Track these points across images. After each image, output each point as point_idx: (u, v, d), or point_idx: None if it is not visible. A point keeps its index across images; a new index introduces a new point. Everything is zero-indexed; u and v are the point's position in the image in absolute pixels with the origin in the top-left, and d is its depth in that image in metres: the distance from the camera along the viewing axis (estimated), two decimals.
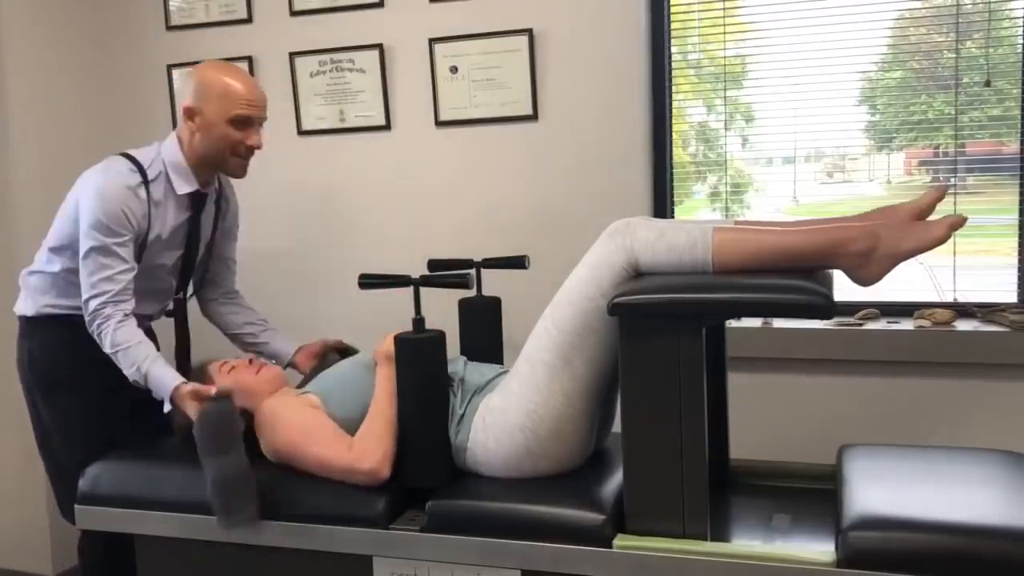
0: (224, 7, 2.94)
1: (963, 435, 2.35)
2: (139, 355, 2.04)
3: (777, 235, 1.75)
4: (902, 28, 2.55)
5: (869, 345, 2.44)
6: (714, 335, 2.01)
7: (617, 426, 1.85)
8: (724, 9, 2.60)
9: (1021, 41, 2.39)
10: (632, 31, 2.58)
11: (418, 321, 1.89)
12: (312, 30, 2.86)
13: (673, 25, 2.65)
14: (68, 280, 2.18)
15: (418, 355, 1.84)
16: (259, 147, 2.19)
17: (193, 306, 2.45)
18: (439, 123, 2.77)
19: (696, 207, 2.78)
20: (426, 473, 1.87)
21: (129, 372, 2.05)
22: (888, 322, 2.48)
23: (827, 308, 1.61)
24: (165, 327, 2.39)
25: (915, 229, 1.71)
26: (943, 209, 1.85)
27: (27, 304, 2.26)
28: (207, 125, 2.13)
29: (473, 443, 1.88)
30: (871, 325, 2.47)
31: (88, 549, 2.30)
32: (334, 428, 1.90)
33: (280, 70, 2.90)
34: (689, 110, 2.77)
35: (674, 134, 2.71)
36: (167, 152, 2.19)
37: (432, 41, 2.73)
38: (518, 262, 2.28)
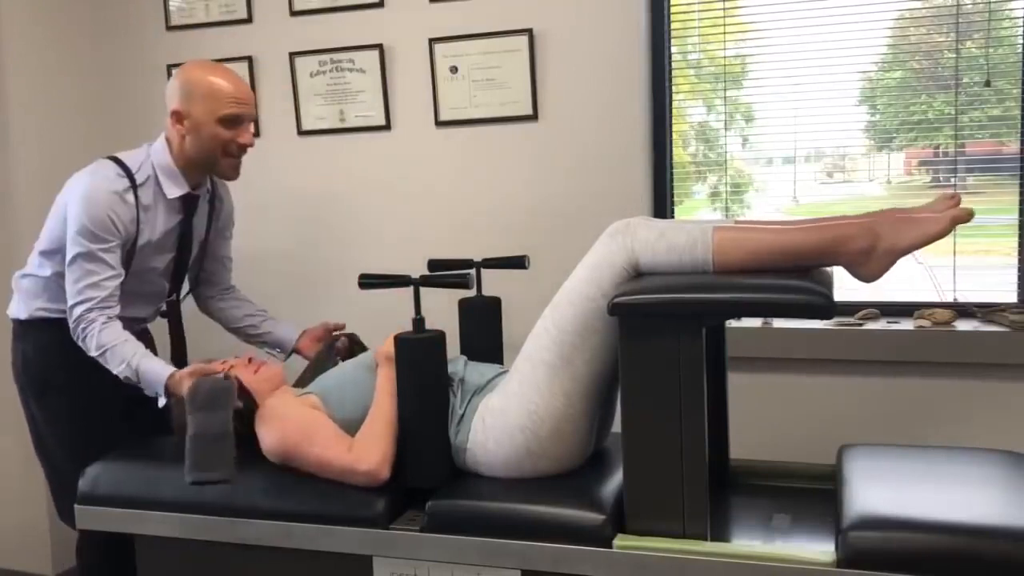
0: (224, 7, 2.94)
1: (963, 435, 2.35)
2: (127, 352, 2.03)
3: (777, 234, 1.75)
4: (902, 28, 2.55)
5: (869, 345, 2.44)
6: (714, 335, 2.01)
7: (617, 426, 1.84)
8: (724, 9, 2.60)
9: (1021, 41, 2.39)
10: (632, 31, 2.58)
11: (418, 321, 1.89)
12: (312, 30, 2.86)
13: (673, 25, 2.65)
14: (59, 284, 2.15)
15: (418, 355, 1.83)
16: (251, 144, 2.18)
17: (187, 307, 2.44)
18: (439, 123, 2.77)
19: (696, 207, 2.78)
20: (426, 473, 1.86)
21: (119, 370, 2.03)
22: (888, 322, 2.48)
23: (827, 308, 1.61)
24: (160, 329, 2.39)
25: (916, 223, 1.69)
26: None
27: (20, 307, 2.25)
28: (196, 126, 2.11)
29: (473, 443, 1.88)
30: (871, 325, 2.47)
31: (87, 549, 2.29)
32: (334, 429, 1.90)
33: (280, 70, 2.90)
34: (689, 110, 2.77)
35: (674, 134, 2.71)
36: (156, 155, 2.17)
37: (432, 41, 2.73)
38: (518, 262, 2.28)
